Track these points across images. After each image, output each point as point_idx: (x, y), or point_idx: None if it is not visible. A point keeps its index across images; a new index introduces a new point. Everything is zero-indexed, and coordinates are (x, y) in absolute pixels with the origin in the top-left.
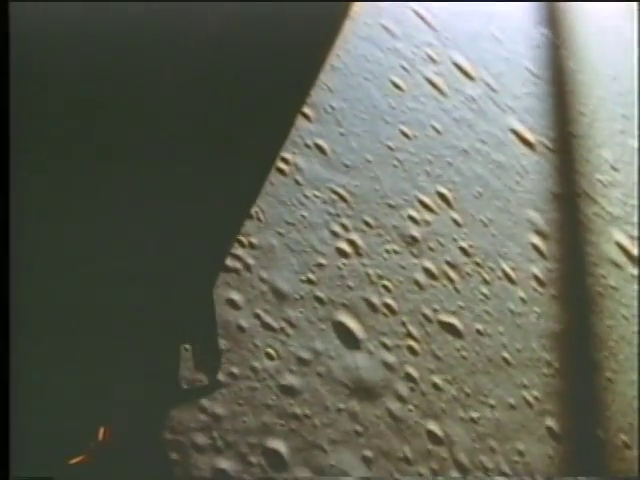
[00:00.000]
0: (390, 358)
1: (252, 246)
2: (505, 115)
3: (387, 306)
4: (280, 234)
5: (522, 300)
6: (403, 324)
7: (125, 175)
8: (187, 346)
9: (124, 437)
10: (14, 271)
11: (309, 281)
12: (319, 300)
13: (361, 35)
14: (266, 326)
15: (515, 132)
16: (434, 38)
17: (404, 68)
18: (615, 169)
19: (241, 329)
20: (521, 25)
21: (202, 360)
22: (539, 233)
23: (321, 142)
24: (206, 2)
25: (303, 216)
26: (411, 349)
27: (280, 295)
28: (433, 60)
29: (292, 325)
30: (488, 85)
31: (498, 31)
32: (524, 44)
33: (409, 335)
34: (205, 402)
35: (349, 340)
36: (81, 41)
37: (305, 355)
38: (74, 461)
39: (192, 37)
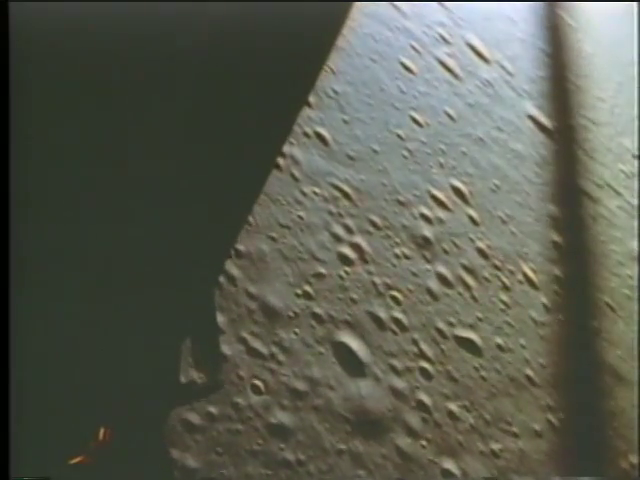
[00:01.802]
0: (399, 384)
1: (238, 254)
2: (522, 100)
3: (396, 321)
4: (272, 239)
5: (545, 307)
6: (414, 342)
7: (125, 175)
8: (188, 346)
9: (124, 437)
10: (14, 271)
11: (306, 295)
12: (317, 318)
13: (368, 13)
14: (253, 352)
15: (533, 118)
16: (446, 17)
17: (415, 49)
18: (636, 158)
19: (224, 356)
20: (535, 6)
21: (202, 360)
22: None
23: (322, 130)
24: None
25: (300, 217)
26: (424, 372)
27: (271, 313)
28: (446, 41)
29: (285, 350)
30: (503, 68)
31: (512, 11)
32: (539, 25)
33: (421, 355)
34: (175, 453)
35: (352, 365)
36: (81, 41)
37: (300, 386)
38: (74, 461)
39: (192, 27)
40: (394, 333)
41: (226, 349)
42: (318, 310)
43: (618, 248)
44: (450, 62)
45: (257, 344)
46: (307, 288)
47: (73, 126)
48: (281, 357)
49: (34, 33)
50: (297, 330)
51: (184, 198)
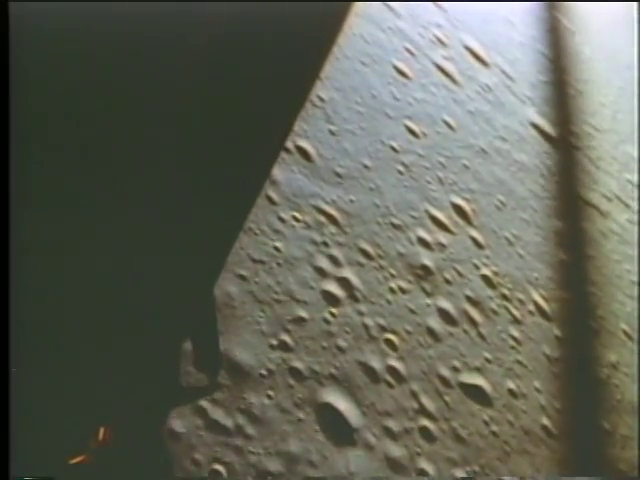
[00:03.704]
0: (397, 451)
1: None
2: (524, 107)
3: (392, 371)
4: (241, 278)
5: (558, 340)
6: (414, 395)
7: (124, 175)
8: (187, 346)
9: (124, 437)
10: (14, 271)
11: (282, 346)
12: (296, 374)
13: (358, 12)
14: (214, 426)
15: (536, 126)
16: (442, 18)
17: (409, 52)
18: None
19: (174, 435)
20: (534, 7)
21: (202, 360)
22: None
23: (304, 144)
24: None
25: (277, 249)
26: (425, 432)
27: (237, 372)
28: (442, 43)
29: (254, 419)
30: (504, 72)
31: (510, 13)
32: (538, 28)
33: (422, 411)
34: None
35: (339, 432)
36: (81, 41)
37: (273, 466)
38: (74, 461)
39: (191, 34)
40: (390, 386)
41: (178, 425)
42: (298, 364)
43: (631, 267)
44: (447, 66)
45: (219, 415)
46: (284, 337)
47: (73, 126)
48: (250, 430)
49: (34, 33)
50: (271, 392)
51: (183, 198)
